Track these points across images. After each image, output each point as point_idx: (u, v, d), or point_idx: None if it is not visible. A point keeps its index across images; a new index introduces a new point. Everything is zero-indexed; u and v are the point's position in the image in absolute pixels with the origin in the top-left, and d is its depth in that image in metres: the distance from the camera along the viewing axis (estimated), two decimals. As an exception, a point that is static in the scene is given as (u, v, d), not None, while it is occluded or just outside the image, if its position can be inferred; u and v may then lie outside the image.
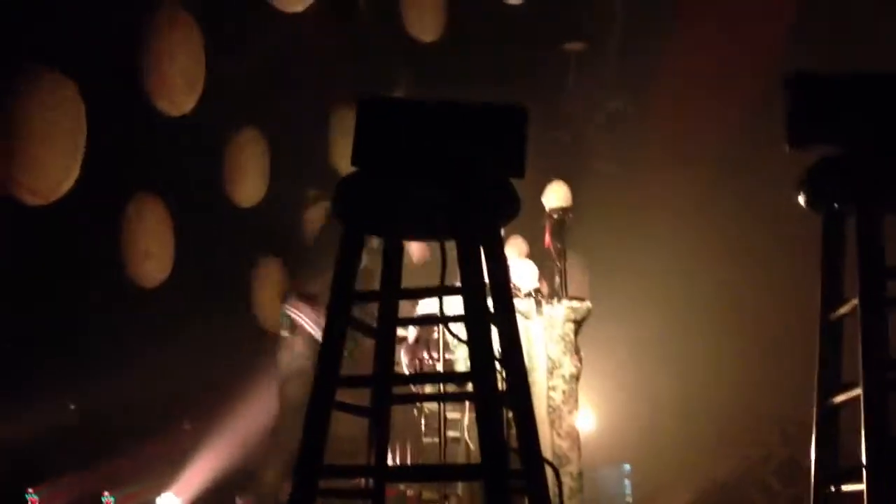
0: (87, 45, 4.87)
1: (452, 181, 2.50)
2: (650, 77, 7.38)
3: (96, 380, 6.53)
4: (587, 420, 7.16)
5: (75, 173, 4.62)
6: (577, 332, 5.20)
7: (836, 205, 2.32)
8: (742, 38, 6.23)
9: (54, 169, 4.51)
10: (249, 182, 6.43)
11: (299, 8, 5.37)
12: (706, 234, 8.82)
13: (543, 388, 4.95)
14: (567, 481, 4.76)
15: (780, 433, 6.31)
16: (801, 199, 2.36)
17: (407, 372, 5.41)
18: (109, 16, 4.99)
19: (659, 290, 9.61)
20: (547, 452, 4.53)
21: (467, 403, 4.87)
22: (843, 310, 2.27)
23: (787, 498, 6.23)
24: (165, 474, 7.38)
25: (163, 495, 7.16)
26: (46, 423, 6.39)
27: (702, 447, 8.35)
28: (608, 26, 7.21)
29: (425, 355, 5.50)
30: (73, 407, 6.51)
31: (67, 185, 4.61)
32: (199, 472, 7.43)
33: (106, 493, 6.45)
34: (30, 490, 5.78)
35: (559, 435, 4.90)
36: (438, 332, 5.20)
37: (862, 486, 2.05)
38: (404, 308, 3.01)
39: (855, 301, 2.17)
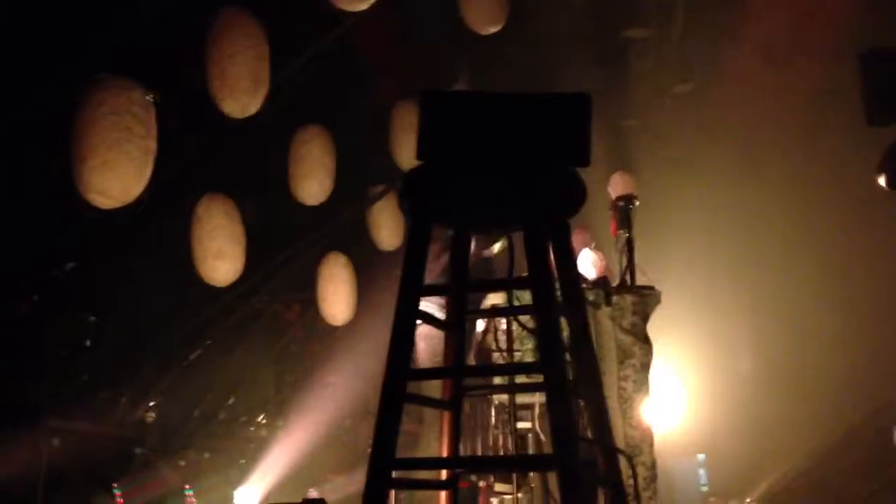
0: (155, 51, 4.98)
1: (518, 172, 2.49)
2: (715, 60, 7.24)
3: (173, 377, 6.70)
4: (660, 410, 7.07)
5: (147, 176, 4.73)
6: (646, 321, 5.14)
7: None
8: (810, 14, 6.06)
9: (127, 172, 4.62)
10: (316, 180, 6.50)
11: (363, 7, 5.40)
12: (779, 216, 8.63)
13: (614, 378, 4.91)
14: (641, 471, 4.71)
15: (868, 418, 6.13)
16: (882, 180, 2.28)
17: (474, 363, 5.40)
18: (175, 20, 5.09)
19: (732, 274, 9.44)
20: (619, 443, 4.48)
21: (538, 394, 4.86)
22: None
23: (871, 488, 6.06)
24: (242, 468, 7.53)
25: (240, 489, 7.30)
26: (126, 420, 6.58)
27: (781, 437, 8.18)
28: (670, 10, 7.09)
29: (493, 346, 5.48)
30: (151, 404, 6.69)
31: (140, 187, 4.72)
32: (274, 465, 7.56)
33: (187, 486, 6.61)
34: (115, 485, 5.95)
35: (631, 425, 4.86)
36: (509, 325, 5.18)
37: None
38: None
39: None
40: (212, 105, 5.18)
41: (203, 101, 5.19)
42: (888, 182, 2.21)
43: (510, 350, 4.87)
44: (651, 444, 4.92)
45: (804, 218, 8.16)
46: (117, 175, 4.56)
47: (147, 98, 4.67)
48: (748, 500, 6.45)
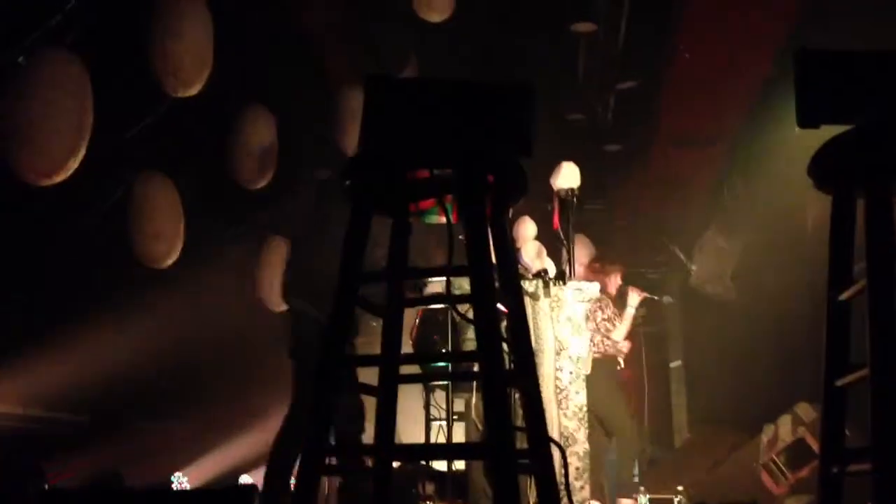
0: (94, 23, 4.86)
1: (459, 161, 2.49)
2: (660, 57, 7.31)
3: (105, 360, 6.57)
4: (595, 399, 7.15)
5: (81, 153, 4.61)
6: (584, 313, 5.20)
7: (845, 184, 2.28)
8: (755, 15, 6.15)
9: (59, 148, 4.50)
10: (257, 163, 6.41)
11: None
12: (716, 216, 8.78)
13: (551, 368, 4.95)
14: (573, 461, 4.77)
15: (790, 415, 6.31)
16: (812, 180, 2.33)
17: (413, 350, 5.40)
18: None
19: (667, 272, 9.60)
20: (553, 433, 4.54)
21: (475, 384, 4.89)
22: (852, 290, 2.24)
23: (795, 480, 6.23)
24: (177, 452, 7.43)
25: (175, 473, 7.21)
26: (58, 401, 6.44)
27: (710, 428, 8.36)
28: (617, 6, 7.13)
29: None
30: (84, 385, 6.55)
31: (73, 164, 4.60)
32: (210, 451, 7.48)
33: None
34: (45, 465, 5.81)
35: (566, 415, 4.91)
36: (448, 314, 5.19)
37: (869, 466, 2.04)
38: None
39: (863, 282, 2.14)
40: (153, 82, 5.07)
41: (144, 79, 5.08)
42: (816, 182, 2.26)
43: (448, 338, 4.88)
44: (585, 436, 4.98)
45: (744, 213, 8.32)
46: (50, 150, 4.45)
47: (83, 72, 4.55)
48: (679, 487, 6.58)
